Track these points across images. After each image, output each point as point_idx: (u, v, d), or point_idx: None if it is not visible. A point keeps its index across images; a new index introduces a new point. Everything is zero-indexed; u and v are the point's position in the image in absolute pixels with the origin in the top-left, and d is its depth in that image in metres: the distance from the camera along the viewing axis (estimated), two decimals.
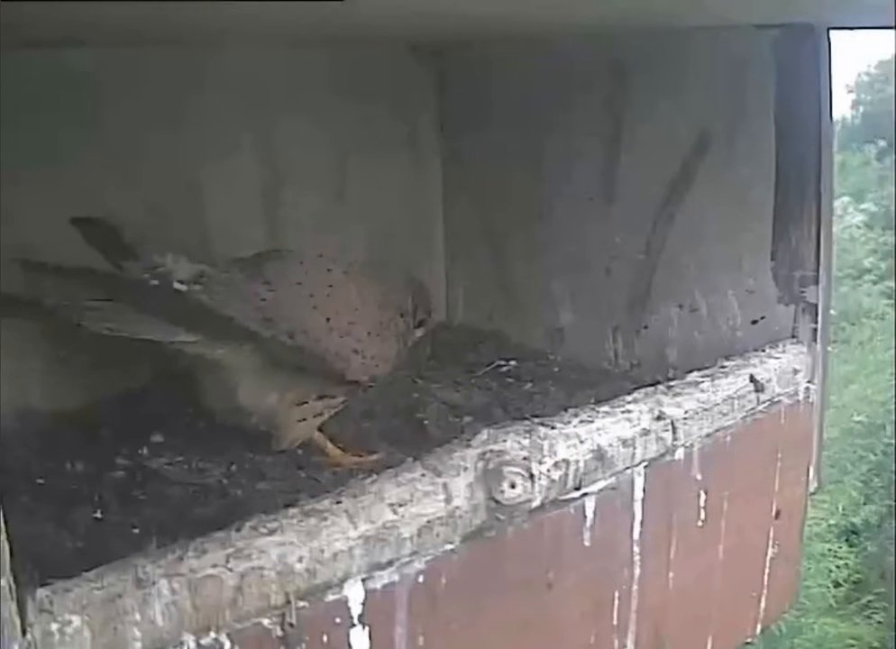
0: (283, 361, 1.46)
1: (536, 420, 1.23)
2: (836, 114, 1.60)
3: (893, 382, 6.55)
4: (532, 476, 1.14)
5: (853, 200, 10.34)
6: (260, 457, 1.54)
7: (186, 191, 1.79)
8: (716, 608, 1.48)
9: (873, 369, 7.01)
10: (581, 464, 1.20)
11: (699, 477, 1.38)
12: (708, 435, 1.38)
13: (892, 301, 8.36)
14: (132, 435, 1.60)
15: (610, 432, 1.26)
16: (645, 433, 1.29)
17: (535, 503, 1.15)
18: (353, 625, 1.00)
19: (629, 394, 1.36)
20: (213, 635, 0.91)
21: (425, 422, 1.67)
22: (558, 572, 1.21)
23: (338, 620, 0.99)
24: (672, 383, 1.42)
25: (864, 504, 6.07)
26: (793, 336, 1.59)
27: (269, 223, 1.92)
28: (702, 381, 1.42)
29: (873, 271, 9.37)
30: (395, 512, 1.04)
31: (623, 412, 1.30)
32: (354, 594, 1.00)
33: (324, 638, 0.98)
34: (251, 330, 1.41)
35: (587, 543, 1.23)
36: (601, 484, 1.24)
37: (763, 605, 1.57)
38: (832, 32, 1.54)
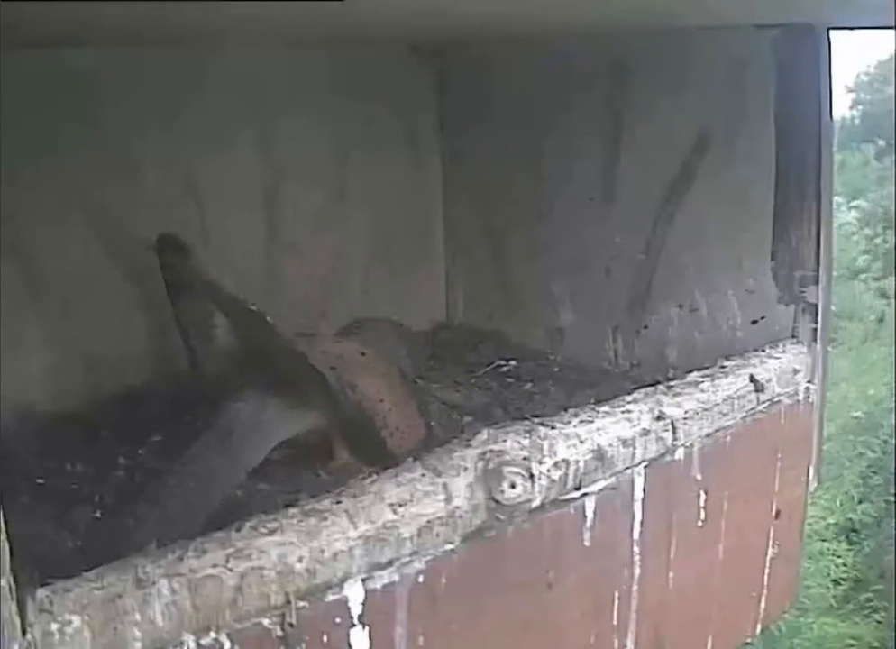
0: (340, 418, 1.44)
1: (536, 420, 1.23)
2: (836, 114, 1.60)
3: (893, 382, 6.54)
4: (532, 476, 1.14)
5: (845, 199, 10.30)
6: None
7: (186, 190, 1.79)
8: (716, 608, 1.48)
9: (868, 366, 7.01)
10: (581, 464, 1.20)
11: (699, 477, 1.38)
12: (708, 435, 1.38)
13: (891, 300, 8.35)
14: (132, 435, 1.60)
15: (610, 432, 1.26)
16: (645, 433, 1.29)
17: (535, 503, 1.15)
18: (353, 625, 1.00)
19: (629, 394, 1.36)
20: (213, 635, 0.91)
21: (425, 422, 1.67)
22: (558, 572, 1.21)
23: (338, 620, 0.99)
24: (672, 383, 1.42)
25: (863, 502, 6.07)
26: (793, 336, 1.59)
27: (269, 223, 1.93)
28: (702, 381, 1.42)
29: (867, 271, 9.35)
30: (395, 512, 1.04)
31: (623, 412, 1.30)
32: (354, 594, 1.00)
33: (324, 638, 0.98)
34: (320, 373, 1.38)
35: (587, 543, 1.23)
36: (601, 484, 1.24)
37: (763, 605, 1.57)
38: (832, 32, 1.54)
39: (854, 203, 10.28)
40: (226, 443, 1.35)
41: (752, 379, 1.46)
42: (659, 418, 1.31)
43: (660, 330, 1.81)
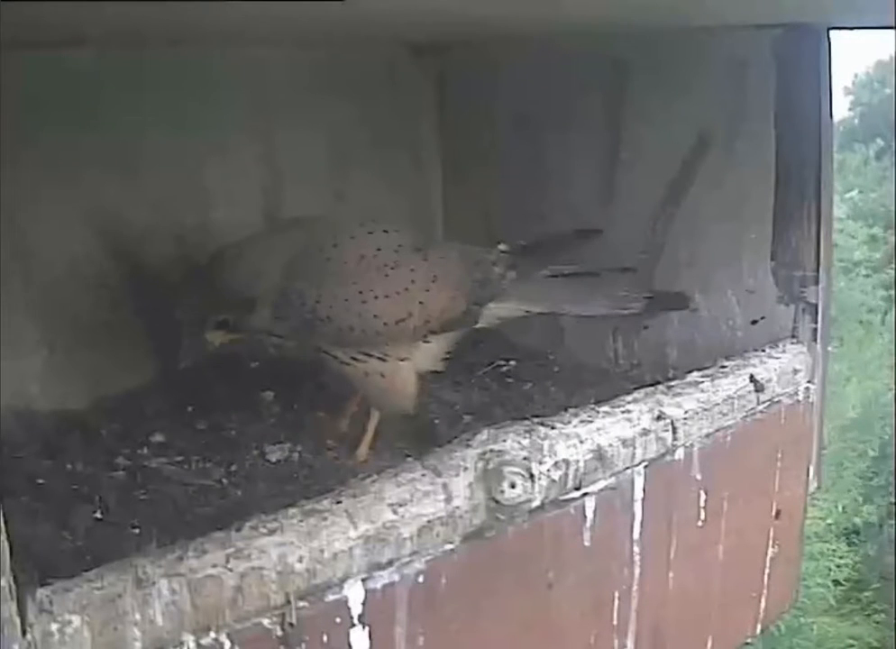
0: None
1: (536, 420, 1.23)
2: (836, 115, 1.60)
3: (893, 382, 6.55)
4: (532, 476, 1.14)
5: (837, 190, 10.28)
6: (259, 458, 1.54)
7: (187, 191, 1.79)
8: (716, 608, 1.48)
9: (866, 365, 7.00)
10: (581, 464, 1.20)
11: (699, 477, 1.38)
12: (708, 435, 1.38)
13: (891, 297, 8.33)
14: (132, 435, 1.60)
15: (610, 432, 1.26)
16: (645, 433, 1.29)
17: (535, 503, 1.15)
18: (353, 625, 1.00)
19: (629, 394, 1.36)
20: (213, 635, 0.91)
21: (425, 422, 1.67)
22: (558, 572, 1.21)
23: (338, 620, 0.99)
24: (672, 383, 1.42)
25: (864, 503, 6.07)
26: (793, 336, 1.59)
27: (270, 223, 1.92)
28: (702, 381, 1.42)
29: (863, 264, 9.32)
30: (395, 512, 1.04)
31: (623, 412, 1.30)
32: (354, 594, 1.01)
33: (324, 638, 0.98)
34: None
35: (587, 543, 1.24)
36: (601, 484, 1.24)
37: (763, 605, 1.57)
38: (832, 32, 1.54)
39: (848, 195, 10.26)
40: None
41: (752, 379, 1.46)
42: (659, 418, 1.31)
43: (660, 330, 1.81)
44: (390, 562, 1.03)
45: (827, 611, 5.36)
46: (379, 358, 1.48)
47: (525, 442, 1.17)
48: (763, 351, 1.55)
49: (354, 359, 1.47)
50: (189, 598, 0.89)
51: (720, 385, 1.42)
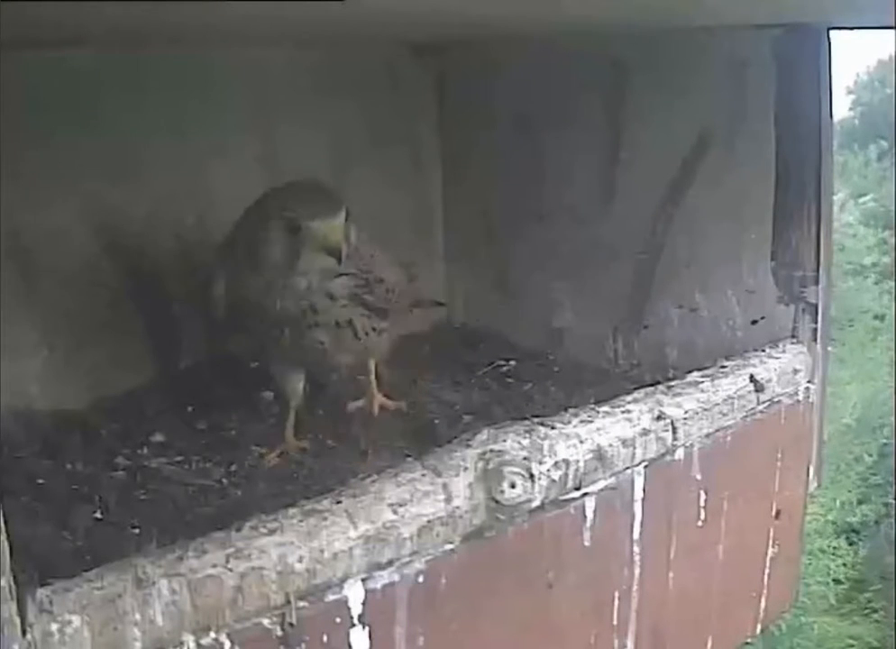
0: None
1: (536, 420, 1.23)
2: (836, 115, 1.60)
3: (893, 382, 6.54)
4: (532, 476, 1.14)
5: (851, 195, 10.27)
6: (259, 458, 1.55)
7: (187, 191, 1.79)
8: (716, 608, 1.48)
9: (868, 367, 7.00)
10: (581, 464, 1.20)
11: (699, 477, 1.38)
12: (708, 435, 1.38)
13: (892, 300, 8.33)
14: (132, 435, 1.60)
15: (610, 432, 1.26)
16: (645, 433, 1.29)
17: (535, 503, 1.15)
18: (353, 625, 1.00)
19: (629, 394, 1.36)
20: (213, 635, 0.91)
21: (425, 422, 1.67)
22: (558, 572, 1.21)
23: (338, 620, 0.99)
24: (672, 383, 1.42)
25: (863, 502, 6.07)
26: (793, 336, 1.59)
27: None
28: (702, 381, 1.42)
29: (872, 268, 9.32)
30: (395, 512, 1.04)
31: (623, 412, 1.30)
32: (354, 594, 1.01)
33: (324, 638, 0.98)
34: None
35: (587, 543, 1.24)
36: (601, 484, 1.24)
37: (763, 605, 1.57)
38: (832, 32, 1.54)
39: (862, 200, 10.27)
40: None
41: (752, 379, 1.45)
42: (659, 418, 1.31)
43: (660, 330, 1.81)
44: (390, 562, 1.03)
45: (827, 611, 5.35)
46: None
47: (525, 442, 1.17)
48: (763, 351, 1.54)
49: (374, 329, 1.54)
50: (189, 598, 0.89)
51: (720, 385, 1.42)
